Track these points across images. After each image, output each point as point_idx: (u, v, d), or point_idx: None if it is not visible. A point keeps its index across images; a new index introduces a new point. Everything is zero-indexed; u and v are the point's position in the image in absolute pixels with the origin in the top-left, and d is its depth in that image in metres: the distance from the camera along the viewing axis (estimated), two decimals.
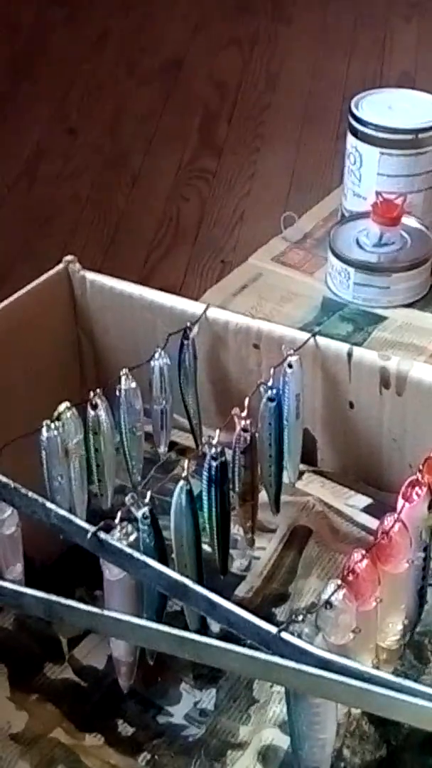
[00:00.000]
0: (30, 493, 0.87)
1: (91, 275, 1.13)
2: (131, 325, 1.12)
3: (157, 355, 1.03)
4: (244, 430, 0.95)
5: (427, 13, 2.24)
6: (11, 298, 1.08)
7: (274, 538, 1.06)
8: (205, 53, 2.15)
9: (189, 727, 0.93)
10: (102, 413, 0.97)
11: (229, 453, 0.93)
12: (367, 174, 1.51)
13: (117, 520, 0.83)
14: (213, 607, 0.79)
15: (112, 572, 0.83)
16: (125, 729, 0.93)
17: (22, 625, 0.99)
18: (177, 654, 0.80)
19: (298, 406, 1.02)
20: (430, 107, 1.53)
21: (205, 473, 0.91)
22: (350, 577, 0.77)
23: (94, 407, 0.97)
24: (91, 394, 0.97)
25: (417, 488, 0.83)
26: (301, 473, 1.09)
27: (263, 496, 1.01)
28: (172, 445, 1.10)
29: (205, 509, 0.92)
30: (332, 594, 0.75)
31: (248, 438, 0.95)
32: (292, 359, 1.01)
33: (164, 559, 0.84)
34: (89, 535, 0.82)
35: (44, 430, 0.93)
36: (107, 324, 1.14)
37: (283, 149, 1.83)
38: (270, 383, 0.99)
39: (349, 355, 1.04)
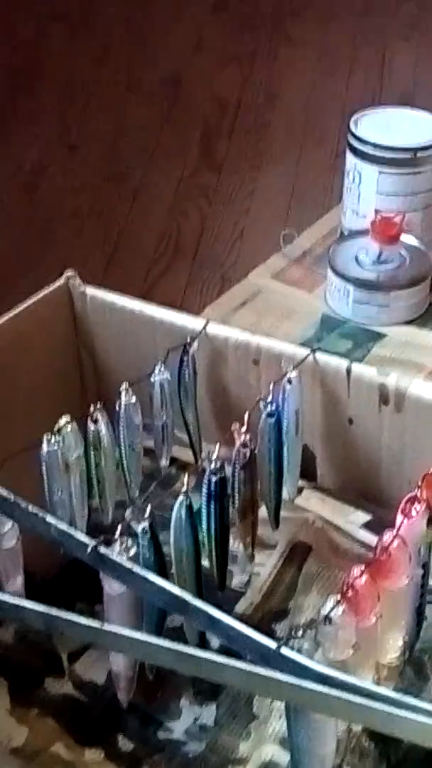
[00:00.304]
0: (30, 507, 0.87)
1: (91, 290, 1.14)
2: (131, 340, 1.13)
3: (157, 370, 1.03)
4: (244, 445, 0.95)
5: (426, 32, 2.25)
6: (12, 313, 1.09)
7: (273, 554, 1.06)
8: (205, 70, 2.16)
9: (189, 743, 0.93)
10: (102, 428, 0.97)
11: (228, 468, 0.94)
12: (366, 192, 1.52)
13: (117, 535, 0.83)
14: (213, 622, 0.79)
15: (112, 587, 0.83)
16: (125, 744, 0.93)
17: (23, 639, 0.99)
18: (177, 668, 0.80)
19: (298, 421, 1.02)
20: (429, 126, 1.54)
21: (204, 488, 0.92)
22: (350, 593, 0.77)
23: (95, 421, 0.97)
24: (92, 408, 0.97)
25: (416, 504, 0.83)
26: (301, 489, 1.09)
27: (263, 511, 1.02)
28: (172, 461, 1.11)
29: (204, 524, 0.92)
30: (332, 610, 0.76)
31: (248, 453, 0.96)
32: (292, 375, 1.01)
33: (164, 574, 0.85)
34: (89, 549, 0.82)
35: (44, 443, 0.93)
36: (107, 339, 1.15)
37: (283, 166, 1.83)
38: (269, 399, 0.99)
39: (348, 371, 1.04)
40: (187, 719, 0.95)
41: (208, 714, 0.95)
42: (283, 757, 0.89)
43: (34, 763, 0.91)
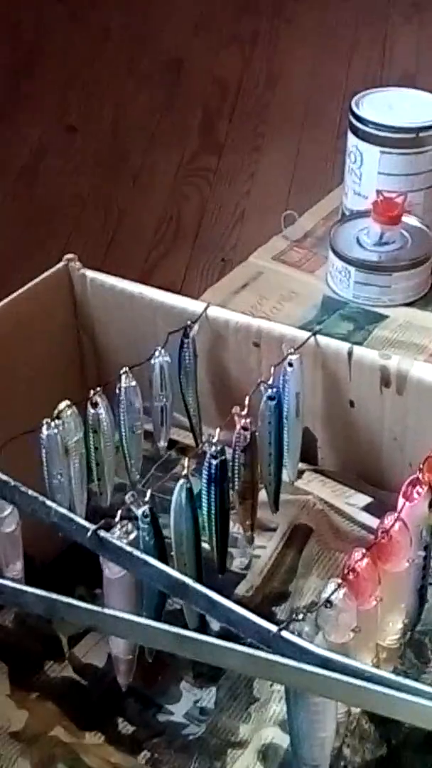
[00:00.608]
0: (30, 491, 0.87)
1: (91, 273, 1.13)
2: (132, 324, 1.12)
3: (157, 354, 1.03)
4: (244, 428, 0.95)
5: (427, 12, 2.24)
6: (11, 297, 1.08)
7: (274, 536, 1.06)
8: (205, 52, 2.15)
9: (189, 726, 0.93)
10: (102, 412, 0.97)
11: (229, 451, 0.93)
12: (368, 173, 1.51)
13: (117, 519, 0.83)
14: (213, 606, 0.79)
15: (111, 570, 0.83)
16: (125, 727, 0.94)
17: (22, 624, 0.99)
18: (176, 652, 0.80)
19: (298, 404, 1.02)
20: (431, 106, 1.53)
21: (204, 472, 0.91)
22: (351, 576, 0.77)
23: (95, 406, 0.97)
24: (91, 392, 0.97)
25: (417, 487, 0.83)
26: (302, 472, 1.09)
27: (263, 494, 1.01)
28: (173, 444, 1.10)
29: (205, 508, 0.92)
30: (332, 593, 0.75)
31: (248, 436, 0.95)
32: (293, 358, 1.01)
33: (164, 558, 0.84)
34: (89, 534, 0.82)
35: (44, 428, 0.93)
36: (107, 322, 1.14)
37: (284, 148, 1.83)
38: (270, 382, 0.99)
39: (350, 353, 1.04)
40: (187, 702, 0.95)
41: (208, 697, 0.95)
42: (283, 739, 0.89)
43: (34, 746, 0.91)
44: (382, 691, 0.72)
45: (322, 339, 1.05)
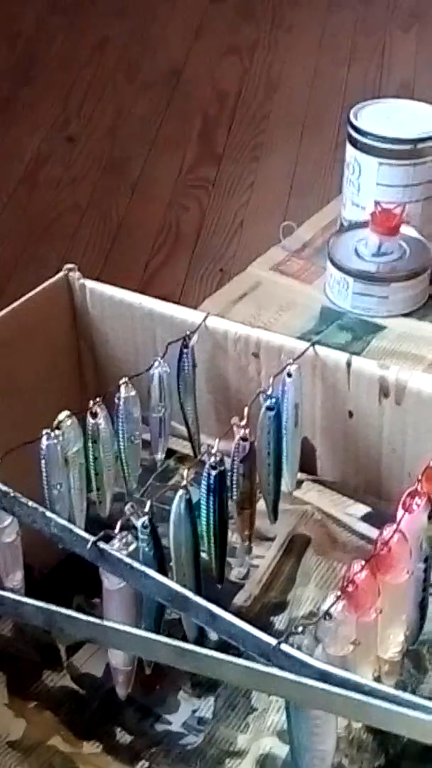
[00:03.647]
0: (30, 502, 0.87)
1: (90, 283, 1.13)
2: (131, 334, 1.12)
3: (156, 364, 1.03)
4: (243, 438, 0.95)
5: (426, 23, 2.24)
6: (11, 306, 1.08)
7: (272, 546, 1.06)
8: (205, 61, 2.15)
9: (187, 736, 0.93)
10: (102, 422, 0.97)
11: (228, 462, 0.94)
12: (366, 184, 1.51)
13: (117, 530, 0.83)
14: (213, 618, 0.79)
15: (111, 581, 0.83)
16: (123, 737, 0.94)
17: (21, 633, 0.99)
18: (176, 665, 0.80)
19: (297, 414, 1.02)
20: (429, 117, 1.53)
21: (203, 482, 0.91)
22: (350, 588, 0.77)
23: (94, 416, 0.97)
24: (91, 402, 0.97)
25: (417, 498, 0.83)
26: (300, 482, 1.09)
27: (262, 504, 1.01)
28: (171, 454, 1.11)
29: (203, 518, 0.92)
30: (332, 605, 0.75)
31: (247, 447, 0.95)
32: (292, 368, 1.01)
33: (163, 569, 0.84)
34: (89, 545, 0.82)
35: (44, 438, 0.93)
36: (107, 332, 1.14)
37: (283, 158, 1.83)
38: (269, 392, 0.99)
39: (348, 364, 1.04)
40: (185, 712, 0.95)
41: (206, 706, 0.95)
42: (282, 749, 0.89)
43: (32, 756, 0.91)
44: (383, 705, 0.72)
45: (320, 349, 1.05)
